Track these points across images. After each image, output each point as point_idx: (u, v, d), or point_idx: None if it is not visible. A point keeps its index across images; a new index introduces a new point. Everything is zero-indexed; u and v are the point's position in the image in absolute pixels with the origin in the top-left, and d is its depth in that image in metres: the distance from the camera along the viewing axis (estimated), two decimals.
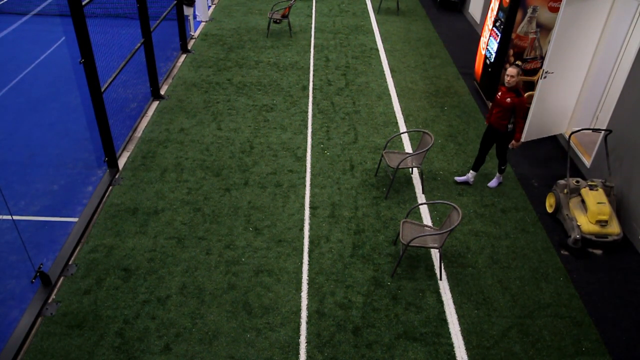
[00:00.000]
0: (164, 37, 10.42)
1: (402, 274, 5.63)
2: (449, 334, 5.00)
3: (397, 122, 8.50)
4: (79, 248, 5.76)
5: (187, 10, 11.02)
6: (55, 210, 6.33)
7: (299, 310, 5.16)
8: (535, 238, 6.23)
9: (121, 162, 7.17)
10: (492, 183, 7.11)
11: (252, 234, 6.08)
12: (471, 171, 7.05)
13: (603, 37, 7.33)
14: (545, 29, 8.37)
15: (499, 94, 6.47)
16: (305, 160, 7.41)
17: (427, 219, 6.46)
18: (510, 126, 6.48)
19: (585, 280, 5.69)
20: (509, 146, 6.62)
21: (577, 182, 6.35)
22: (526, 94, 8.20)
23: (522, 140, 7.93)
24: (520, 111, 6.31)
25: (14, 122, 8.08)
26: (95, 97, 6.37)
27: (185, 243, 5.90)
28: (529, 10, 8.22)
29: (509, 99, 6.30)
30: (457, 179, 7.08)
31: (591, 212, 6.01)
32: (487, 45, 9.13)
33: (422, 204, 6.48)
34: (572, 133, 6.81)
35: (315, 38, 11.77)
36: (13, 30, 11.55)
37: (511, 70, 6.22)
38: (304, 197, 6.69)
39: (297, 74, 10.01)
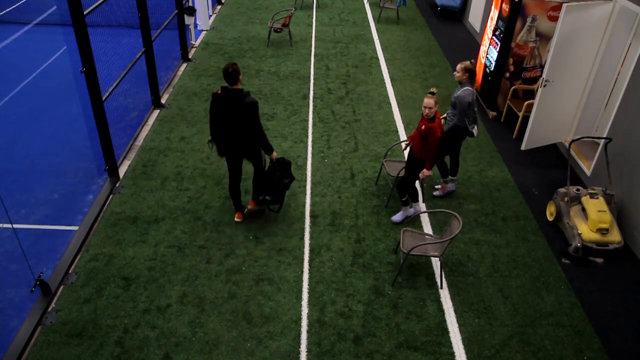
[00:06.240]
0: (165, 46, 10.47)
1: (402, 282, 5.62)
2: (450, 343, 4.98)
3: (397, 131, 8.51)
4: (79, 257, 5.75)
5: (188, 20, 11.08)
6: (56, 218, 6.33)
7: (300, 319, 5.14)
8: (536, 246, 6.22)
9: (122, 171, 7.18)
10: (396, 217, 6.43)
11: (253, 242, 6.07)
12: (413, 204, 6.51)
13: (603, 45, 7.36)
14: (544, 38, 8.41)
15: (420, 122, 5.93)
16: (305, 169, 7.41)
17: (427, 228, 6.45)
18: None
19: (586, 289, 5.67)
20: (419, 175, 6.04)
21: (578, 190, 6.35)
22: (526, 103, 8.25)
23: (523, 148, 7.95)
24: (431, 137, 5.74)
25: (15, 130, 8.11)
26: (96, 105, 6.39)
27: (185, 252, 5.89)
28: (529, 20, 8.27)
29: (423, 126, 5.79)
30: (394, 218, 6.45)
31: (592, 221, 6.00)
32: (487, 54, 9.17)
33: (422, 212, 6.49)
34: (572, 141, 6.82)
35: (315, 47, 11.82)
36: (15, 39, 11.62)
37: (428, 102, 5.62)
38: (304, 206, 6.68)
39: (297, 82, 10.04)
